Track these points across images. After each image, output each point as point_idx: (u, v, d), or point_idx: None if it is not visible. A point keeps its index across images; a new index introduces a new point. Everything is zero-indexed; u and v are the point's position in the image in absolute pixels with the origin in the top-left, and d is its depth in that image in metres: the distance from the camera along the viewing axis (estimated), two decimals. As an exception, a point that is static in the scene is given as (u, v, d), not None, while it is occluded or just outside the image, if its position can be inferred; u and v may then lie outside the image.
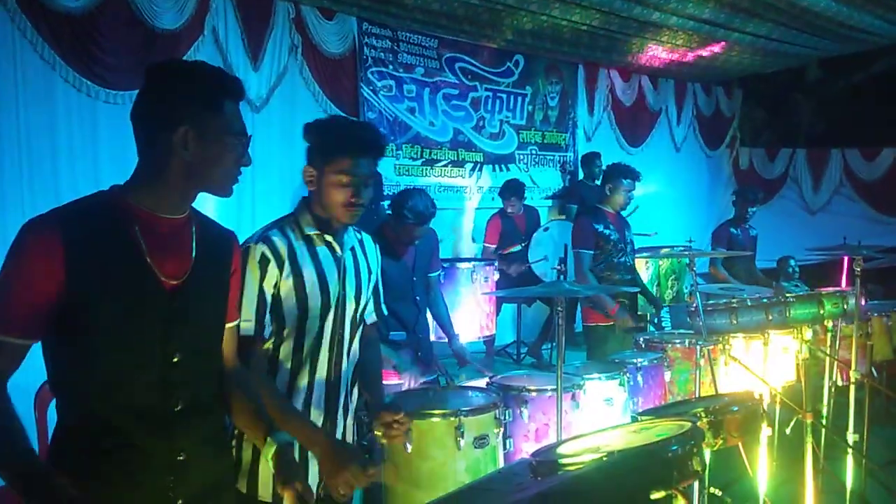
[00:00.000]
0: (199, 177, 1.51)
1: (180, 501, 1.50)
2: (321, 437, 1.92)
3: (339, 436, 2.11)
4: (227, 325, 1.68)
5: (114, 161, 4.66)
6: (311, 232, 2.04)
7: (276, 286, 1.97)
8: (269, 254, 1.97)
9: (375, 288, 2.25)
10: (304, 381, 2.03)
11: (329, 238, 2.06)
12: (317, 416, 2.06)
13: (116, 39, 4.67)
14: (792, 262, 6.51)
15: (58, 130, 4.59)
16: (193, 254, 1.54)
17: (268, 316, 1.97)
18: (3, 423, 1.38)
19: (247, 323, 1.90)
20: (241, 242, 1.81)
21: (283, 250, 1.99)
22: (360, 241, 2.19)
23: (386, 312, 2.42)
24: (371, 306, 2.23)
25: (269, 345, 2.01)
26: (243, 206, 5.39)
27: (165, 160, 1.47)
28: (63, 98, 4.57)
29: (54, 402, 1.50)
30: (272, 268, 1.96)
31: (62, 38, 4.44)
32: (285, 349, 2.02)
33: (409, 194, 3.53)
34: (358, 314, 2.13)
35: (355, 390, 2.20)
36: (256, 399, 1.72)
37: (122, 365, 1.44)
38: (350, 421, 2.18)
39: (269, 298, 1.97)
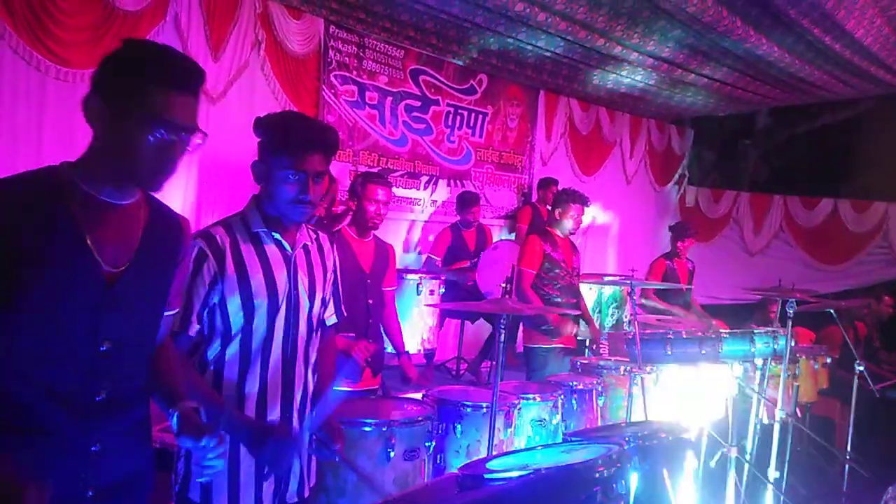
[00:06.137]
0: (110, 159, 1.41)
1: (90, 492, 1.44)
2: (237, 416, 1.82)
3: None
4: (166, 314, 1.63)
5: (60, 141, 4.47)
6: (259, 230, 1.98)
7: (218, 283, 1.90)
8: (206, 249, 1.91)
9: (335, 289, 2.18)
10: (254, 384, 1.94)
11: (277, 236, 2.00)
12: (272, 421, 1.95)
13: (73, 14, 4.51)
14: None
15: (1, 103, 4.39)
16: (139, 240, 1.49)
17: (195, 314, 1.91)
18: None
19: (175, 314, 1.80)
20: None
21: (226, 246, 1.93)
22: (316, 240, 2.12)
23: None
24: (331, 308, 2.17)
25: (216, 345, 1.94)
26: (192, 199, 5.26)
27: (94, 137, 1.43)
28: (10, 70, 4.39)
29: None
30: (210, 264, 1.90)
31: (14, 6, 4.27)
32: (232, 349, 1.94)
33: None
34: (314, 315, 2.05)
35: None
36: (172, 377, 1.66)
37: (47, 348, 1.38)
38: (307, 432, 2.01)
39: (201, 296, 1.90)
